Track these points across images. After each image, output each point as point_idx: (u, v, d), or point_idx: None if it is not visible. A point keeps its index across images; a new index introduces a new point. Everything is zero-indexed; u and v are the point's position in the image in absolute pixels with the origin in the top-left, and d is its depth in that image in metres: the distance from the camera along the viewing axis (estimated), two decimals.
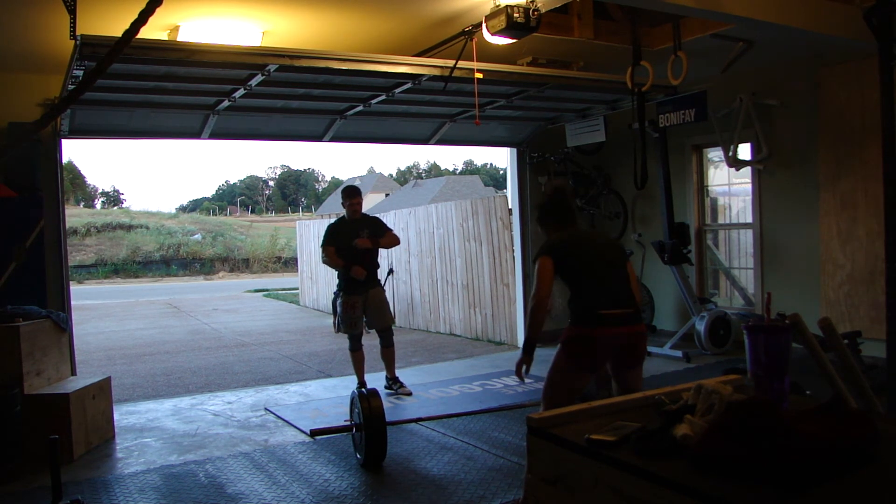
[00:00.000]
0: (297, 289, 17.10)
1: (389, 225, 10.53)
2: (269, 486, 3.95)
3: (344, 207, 5.97)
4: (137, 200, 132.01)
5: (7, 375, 4.31)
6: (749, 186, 7.31)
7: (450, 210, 9.96)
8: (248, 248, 37.72)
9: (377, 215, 7.68)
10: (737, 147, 7.03)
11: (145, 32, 2.28)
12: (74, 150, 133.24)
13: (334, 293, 6.51)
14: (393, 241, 6.07)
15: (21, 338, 4.39)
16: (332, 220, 6.40)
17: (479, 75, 5.15)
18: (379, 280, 6.10)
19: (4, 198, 5.22)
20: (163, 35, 4.98)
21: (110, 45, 2.45)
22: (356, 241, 5.76)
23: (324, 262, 6.05)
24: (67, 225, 6.25)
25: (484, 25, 4.37)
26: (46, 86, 5.61)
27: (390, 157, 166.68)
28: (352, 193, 5.99)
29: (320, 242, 6.09)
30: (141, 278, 32.77)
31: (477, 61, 5.01)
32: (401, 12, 4.84)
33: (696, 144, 7.79)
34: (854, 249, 6.22)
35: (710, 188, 8.00)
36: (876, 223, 5.81)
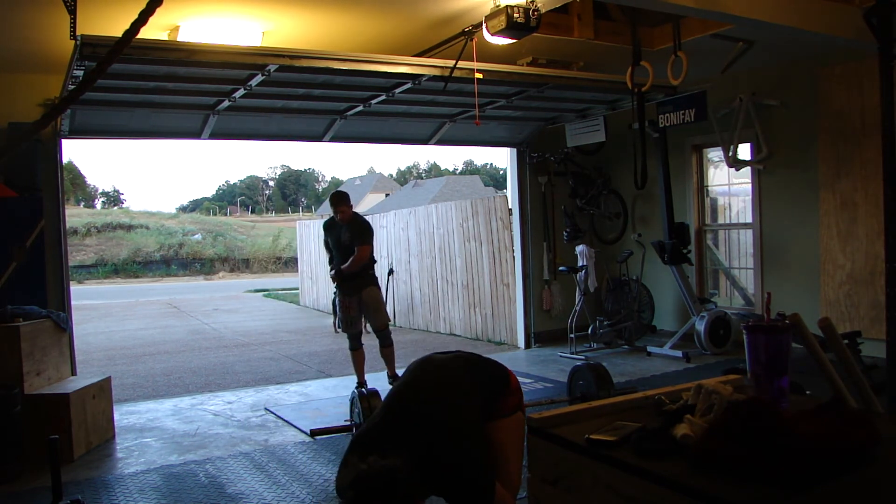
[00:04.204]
0: (297, 289, 17.10)
1: (389, 225, 10.40)
2: (269, 486, 3.95)
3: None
4: (137, 200, 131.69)
5: (7, 375, 4.32)
6: (749, 186, 7.32)
7: (450, 210, 9.96)
8: (249, 249, 37.72)
9: (375, 216, 7.59)
10: (737, 147, 7.03)
11: (145, 32, 2.27)
12: (74, 150, 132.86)
13: (334, 293, 6.46)
14: (358, 261, 5.72)
15: (21, 338, 4.40)
16: (327, 219, 6.41)
17: (479, 75, 5.15)
18: (375, 277, 6.01)
19: (4, 198, 5.22)
20: (163, 35, 4.98)
21: (110, 45, 2.45)
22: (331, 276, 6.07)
23: None
24: (67, 225, 6.25)
25: (484, 25, 4.37)
26: (46, 86, 5.61)
27: (390, 157, 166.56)
28: (336, 202, 5.89)
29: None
30: (141, 278, 32.75)
31: (477, 61, 5.01)
32: (401, 12, 4.84)
33: (696, 144, 7.80)
34: (854, 249, 6.22)
35: (710, 188, 8.01)
36: (876, 223, 5.81)
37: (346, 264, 5.77)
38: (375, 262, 6.07)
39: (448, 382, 2.30)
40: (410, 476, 1.90)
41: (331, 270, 6.06)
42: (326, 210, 45.70)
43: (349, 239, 5.81)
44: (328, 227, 6.08)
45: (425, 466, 1.97)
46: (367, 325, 6.04)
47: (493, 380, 2.42)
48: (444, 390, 2.25)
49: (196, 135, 6.45)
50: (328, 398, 6.09)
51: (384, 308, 6.01)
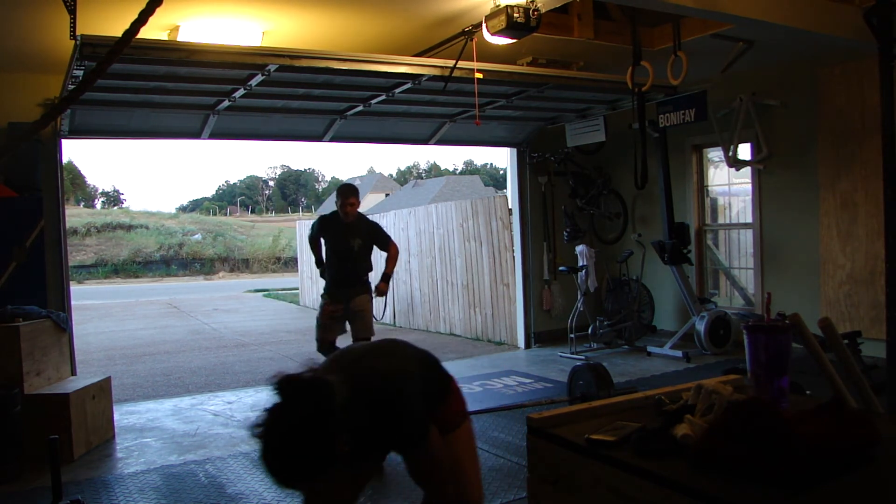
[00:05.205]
0: (297, 289, 17.10)
1: (389, 225, 10.10)
2: (269, 486, 3.95)
3: (336, 207, 5.34)
4: (137, 200, 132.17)
5: (7, 375, 4.31)
6: (749, 186, 7.32)
7: (450, 210, 9.96)
8: (249, 249, 37.73)
9: (375, 217, 7.40)
10: (737, 147, 7.03)
11: (145, 32, 2.28)
12: (74, 150, 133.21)
13: (323, 296, 5.51)
14: (397, 257, 5.57)
15: (21, 338, 4.39)
16: (325, 213, 5.79)
17: (479, 75, 5.15)
18: (369, 285, 5.45)
19: (4, 198, 5.22)
20: (163, 35, 4.98)
21: (110, 45, 2.45)
22: (377, 290, 5.38)
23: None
24: (67, 225, 6.25)
25: (484, 25, 4.37)
26: (46, 86, 5.61)
27: (390, 157, 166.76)
28: (346, 192, 5.31)
29: (308, 234, 5.63)
30: (141, 278, 32.75)
31: (477, 61, 5.01)
32: (401, 12, 4.84)
33: (696, 144, 7.80)
34: (854, 249, 6.22)
35: (710, 188, 8.00)
36: (876, 223, 5.81)
37: (391, 265, 5.46)
38: (371, 269, 5.55)
39: (390, 346, 2.27)
40: (344, 405, 1.67)
41: (322, 272, 5.46)
42: (327, 210, 45.77)
43: (361, 245, 5.29)
44: (326, 224, 5.44)
45: (362, 404, 1.77)
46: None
47: (435, 368, 2.29)
48: (386, 350, 2.22)
49: (196, 135, 6.45)
50: None
51: (371, 319, 5.41)
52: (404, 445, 1.95)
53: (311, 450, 1.60)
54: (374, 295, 5.42)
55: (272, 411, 1.62)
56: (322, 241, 5.50)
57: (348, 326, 5.44)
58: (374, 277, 5.50)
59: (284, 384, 1.65)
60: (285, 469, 1.62)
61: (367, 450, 1.83)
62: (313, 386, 1.67)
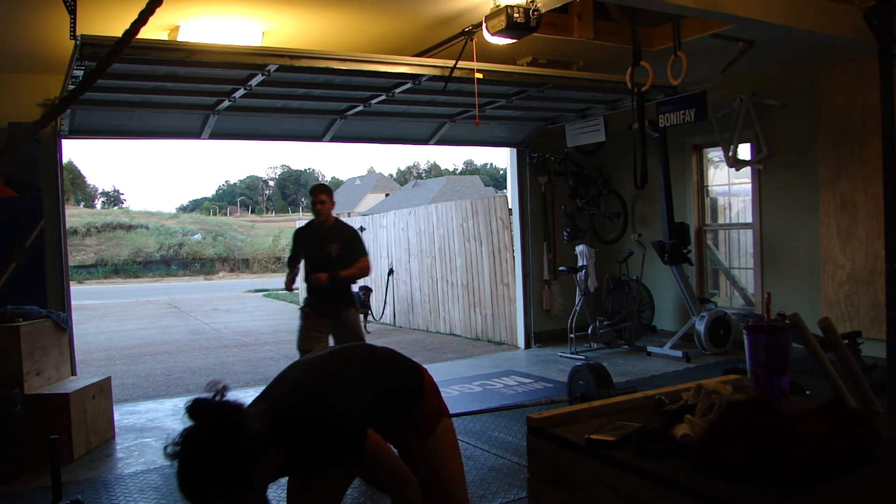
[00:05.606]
0: (297, 289, 17.09)
1: (389, 225, 10.12)
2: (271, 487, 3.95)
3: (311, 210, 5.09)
4: (137, 200, 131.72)
5: (7, 375, 4.31)
6: (749, 186, 7.31)
7: (450, 210, 9.96)
8: (249, 249, 37.71)
9: (375, 217, 7.39)
10: (737, 147, 7.03)
11: (145, 32, 2.28)
12: (74, 150, 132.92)
13: (302, 308, 5.13)
14: (362, 272, 5.01)
15: (21, 338, 4.39)
16: (302, 224, 5.37)
17: (479, 75, 5.15)
18: (352, 296, 5.19)
19: (4, 198, 5.22)
20: (163, 35, 4.98)
21: (110, 45, 2.45)
22: (313, 277, 4.86)
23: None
24: (67, 225, 6.25)
25: (484, 25, 4.37)
26: (46, 86, 5.61)
27: (390, 157, 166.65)
28: (316, 190, 5.04)
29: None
30: (141, 278, 32.75)
31: (477, 61, 5.02)
32: (401, 12, 4.84)
33: (696, 144, 7.80)
34: (854, 249, 6.22)
35: (710, 188, 8.00)
36: (876, 223, 5.81)
37: (349, 271, 4.90)
38: (354, 281, 5.27)
39: (338, 359, 2.21)
40: (259, 428, 1.76)
41: (309, 279, 4.96)
42: None
43: (340, 251, 4.91)
44: (301, 236, 5.19)
45: (285, 426, 1.85)
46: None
47: (398, 374, 2.22)
48: (330, 363, 2.16)
49: (196, 135, 6.46)
50: None
51: (362, 335, 5.16)
52: (336, 463, 1.94)
53: (217, 472, 1.67)
54: (309, 282, 4.96)
55: (183, 433, 1.70)
56: (302, 260, 5.15)
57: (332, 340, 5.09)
58: (379, 272, 5.19)
59: (192, 408, 1.74)
60: (193, 489, 1.67)
61: (309, 467, 1.87)
62: (219, 410, 1.76)
